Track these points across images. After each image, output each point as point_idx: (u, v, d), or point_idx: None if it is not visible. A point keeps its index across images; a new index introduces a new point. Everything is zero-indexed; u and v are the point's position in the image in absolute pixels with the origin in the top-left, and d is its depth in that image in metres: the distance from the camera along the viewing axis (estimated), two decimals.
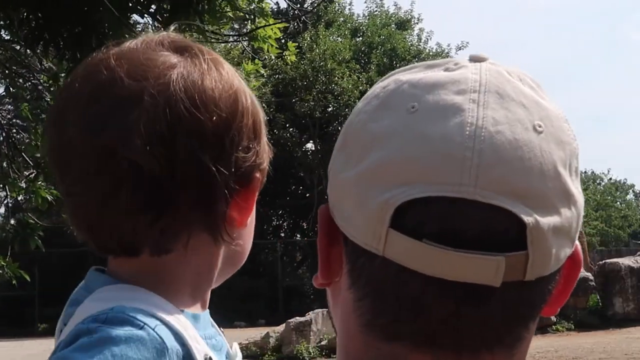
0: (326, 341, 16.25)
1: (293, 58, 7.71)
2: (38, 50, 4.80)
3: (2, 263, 7.79)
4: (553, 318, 18.28)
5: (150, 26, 5.95)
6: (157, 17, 4.90)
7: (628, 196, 77.94)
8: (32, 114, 8.00)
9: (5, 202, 8.90)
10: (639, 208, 76.86)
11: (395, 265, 0.78)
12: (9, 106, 19.33)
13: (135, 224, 1.06)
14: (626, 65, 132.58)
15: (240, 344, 17.44)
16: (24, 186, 8.11)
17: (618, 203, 72.93)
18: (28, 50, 8.47)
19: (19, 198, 9.47)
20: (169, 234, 1.08)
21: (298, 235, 42.07)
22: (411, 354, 0.81)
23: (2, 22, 6.07)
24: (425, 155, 0.78)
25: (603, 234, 62.78)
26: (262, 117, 1.21)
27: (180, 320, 1.05)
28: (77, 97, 1.08)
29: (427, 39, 40.64)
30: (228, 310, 32.50)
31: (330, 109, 34.99)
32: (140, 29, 5.87)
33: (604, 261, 20.23)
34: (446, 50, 40.15)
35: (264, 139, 1.20)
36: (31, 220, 7.93)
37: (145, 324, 0.97)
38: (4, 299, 32.28)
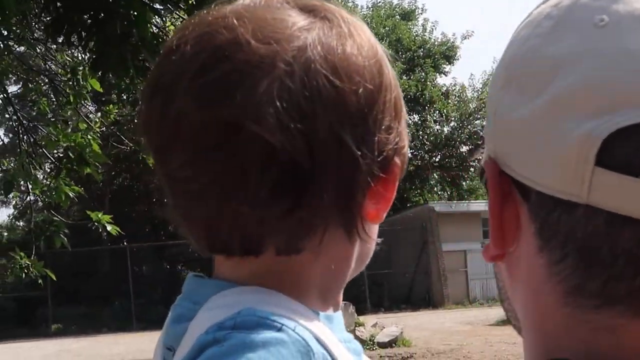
0: None
1: None
2: (60, 41, 4.68)
3: (27, 262, 7.61)
4: None
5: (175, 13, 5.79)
6: (180, 5, 4.76)
7: None
8: (50, 109, 7.85)
9: (27, 199, 8.70)
10: None
11: (603, 213, 0.64)
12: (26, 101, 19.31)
13: (263, 217, 0.88)
14: None
15: None
16: (47, 182, 7.92)
17: None
18: (39, 49, 8.38)
19: (30, 198, 9.30)
20: (302, 229, 0.90)
21: None
22: (631, 322, 0.67)
23: (15, 19, 5.94)
24: (630, 74, 0.64)
25: None
26: (401, 92, 1.02)
27: (316, 323, 0.90)
28: (189, 62, 0.89)
29: (432, 28, 40.69)
30: None
31: None
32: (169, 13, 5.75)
33: None
34: (452, 40, 40.12)
35: (405, 118, 1.02)
36: (55, 218, 7.73)
37: (283, 324, 0.83)
38: (17, 300, 32.35)
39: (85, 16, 4.14)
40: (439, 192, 42.36)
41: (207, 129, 0.86)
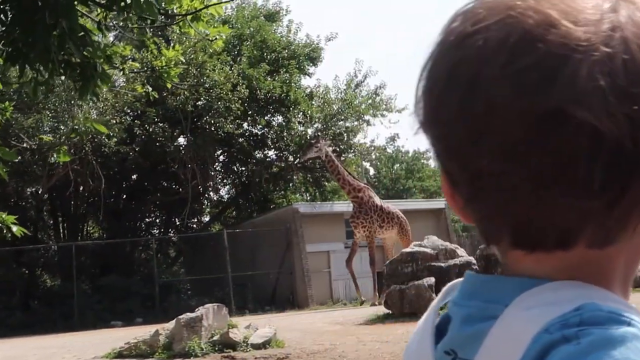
0: (218, 336, 15.99)
1: (220, 43, 7.50)
2: None
3: None
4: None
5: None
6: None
7: None
8: None
9: None
10: None
11: None
12: None
13: (589, 209, 0.84)
14: None
15: (128, 343, 16.94)
16: None
17: None
18: None
19: None
20: (624, 219, 0.86)
21: (171, 232, 41.57)
22: None
23: None
24: None
25: None
26: None
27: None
28: (496, 48, 0.84)
29: (297, 30, 40.75)
30: (103, 310, 31.95)
31: (201, 103, 34.66)
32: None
33: (484, 245, 20.61)
34: (316, 42, 40.43)
35: None
36: None
37: (631, 319, 0.79)
38: None
39: (7, 6, 3.93)
40: (303, 193, 42.65)
41: (527, 120, 0.82)
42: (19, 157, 29.17)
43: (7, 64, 4.50)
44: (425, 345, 0.98)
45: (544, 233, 0.87)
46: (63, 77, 5.82)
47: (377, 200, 27.72)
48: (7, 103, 8.86)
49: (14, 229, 7.28)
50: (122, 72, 7.07)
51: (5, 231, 7.32)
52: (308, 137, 37.58)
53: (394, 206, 29.24)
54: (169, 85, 8.16)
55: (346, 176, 26.70)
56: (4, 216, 7.31)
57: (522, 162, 0.83)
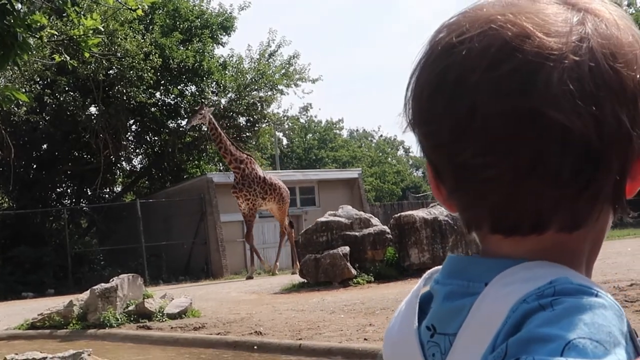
0: (133, 306, 15.92)
1: (140, 12, 7.43)
2: None
3: None
4: (353, 271, 18.73)
5: None
6: None
7: (399, 152, 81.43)
8: None
9: None
10: (410, 163, 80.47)
11: None
12: None
13: (560, 197, 0.96)
14: (399, 24, 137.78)
15: (41, 314, 16.72)
16: None
17: (390, 159, 76.11)
18: None
19: None
20: (589, 206, 0.98)
21: (83, 202, 41.00)
22: None
23: None
24: None
25: (378, 189, 65.34)
26: None
27: None
28: (478, 57, 0.96)
29: None
30: (14, 281, 31.37)
31: (113, 72, 34.13)
32: None
33: (399, 214, 20.72)
34: (229, 11, 40.17)
35: None
36: None
37: (598, 291, 0.90)
38: None
39: None
40: (217, 163, 42.42)
41: (506, 119, 0.94)
42: None
43: None
44: (408, 324, 1.09)
45: (520, 219, 0.99)
46: None
47: (260, 171, 27.42)
48: None
49: None
50: (40, 40, 6.93)
51: None
52: (222, 107, 37.41)
53: (277, 177, 29.04)
54: (87, 55, 8.08)
55: (229, 145, 26.27)
56: None
57: (501, 156, 0.95)
